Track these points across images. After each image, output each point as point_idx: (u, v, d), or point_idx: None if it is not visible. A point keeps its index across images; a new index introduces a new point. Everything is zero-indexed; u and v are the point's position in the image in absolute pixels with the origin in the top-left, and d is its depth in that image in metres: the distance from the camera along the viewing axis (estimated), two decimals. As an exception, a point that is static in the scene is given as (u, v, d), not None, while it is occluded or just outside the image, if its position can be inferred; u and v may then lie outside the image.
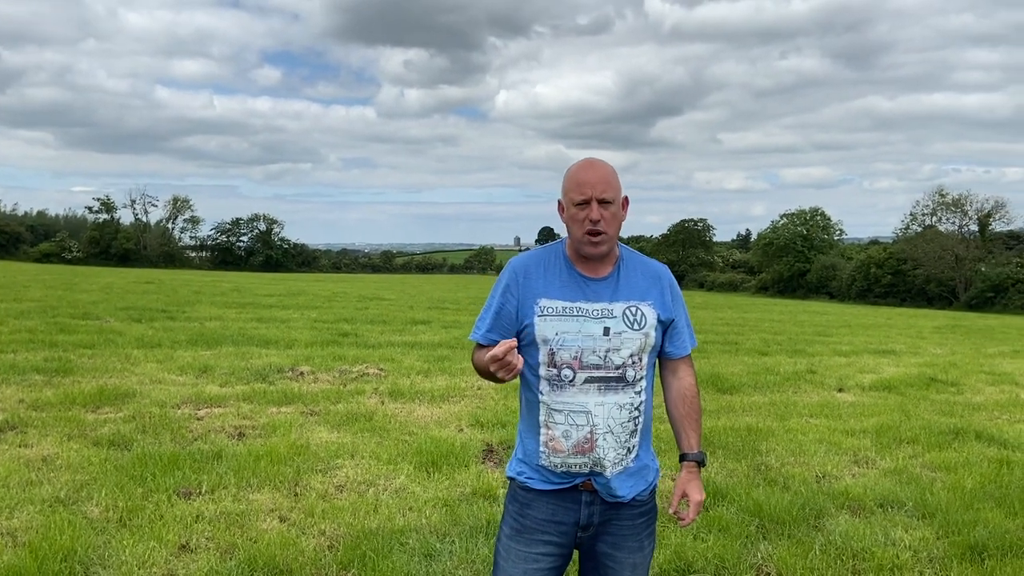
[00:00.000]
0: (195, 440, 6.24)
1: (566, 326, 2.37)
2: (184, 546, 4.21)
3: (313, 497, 5.03)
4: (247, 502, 4.90)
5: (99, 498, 4.79)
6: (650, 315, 2.43)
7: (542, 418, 2.42)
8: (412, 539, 4.40)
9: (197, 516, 4.60)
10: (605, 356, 2.36)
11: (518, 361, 2.24)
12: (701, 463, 2.55)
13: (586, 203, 2.35)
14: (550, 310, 2.39)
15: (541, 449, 2.42)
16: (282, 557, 4.09)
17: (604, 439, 2.37)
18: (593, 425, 2.36)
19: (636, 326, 2.40)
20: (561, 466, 2.40)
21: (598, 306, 2.39)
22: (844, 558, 4.36)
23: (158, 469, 5.31)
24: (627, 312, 2.40)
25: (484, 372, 2.37)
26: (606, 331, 2.37)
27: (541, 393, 2.41)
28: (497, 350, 2.20)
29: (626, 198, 2.46)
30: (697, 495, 2.52)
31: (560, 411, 2.38)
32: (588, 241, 2.37)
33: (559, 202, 2.47)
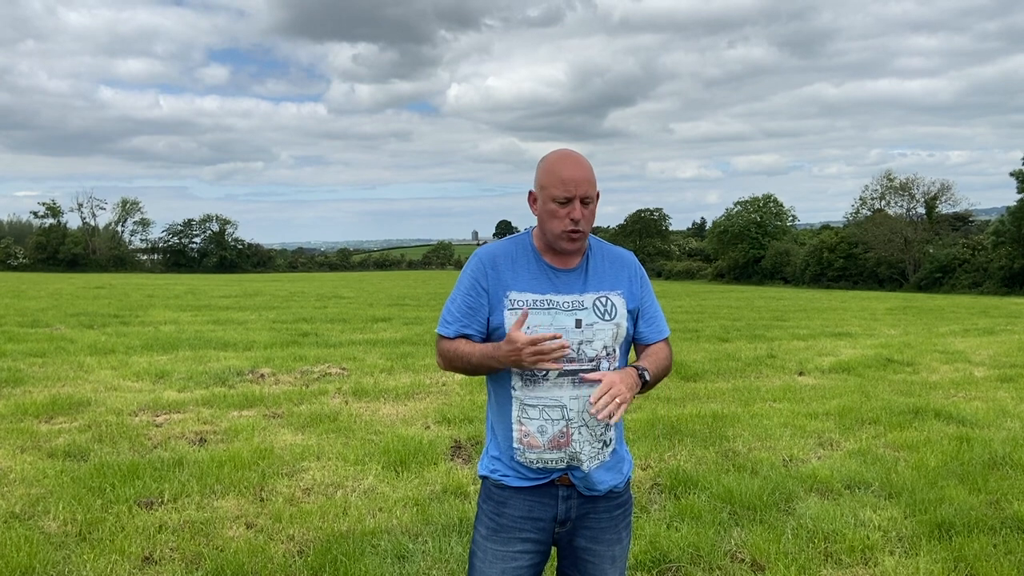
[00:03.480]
0: (155, 448, 6.08)
1: (538, 319, 2.31)
2: (148, 558, 4.08)
3: (280, 502, 4.93)
4: (212, 510, 4.77)
5: (56, 512, 4.62)
6: (620, 305, 2.40)
7: (515, 414, 2.36)
8: (383, 541, 4.32)
9: (160, 526, 4.46)
10: (578, 349, 2.31)
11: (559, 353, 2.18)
12: (642, 375, 2.32)
13: (568, 201, 2.29)
14: (520, 303, 2.32)
15: (515, 446, 2.36)
16: (250, 565, 3.99)
17: (579, 433, 2.33)
18: (568, 419, 2.31)
19: (607, 316, 2.36)
20: (537, 462, 2.35)
21: (568, 298, 2.34)
22: (816, 541, 4.39)
23: (117, 479, 5.15)
24: (597, 303, 2.36)
25: (470, 363, 2.32)
26: (578, 323, 2.32)
27: (514, 388, 2.35)
28: (541, 336, 2.16)
29: (598, 192, 2.41)
30: (611, 375, 2.22)
31: (534, 406, 2.33)
32: (567, 238, 2.32)
33: (531, 192, 2.40)
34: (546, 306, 2.32)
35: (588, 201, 2.32)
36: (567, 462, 2.35)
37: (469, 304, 2.37)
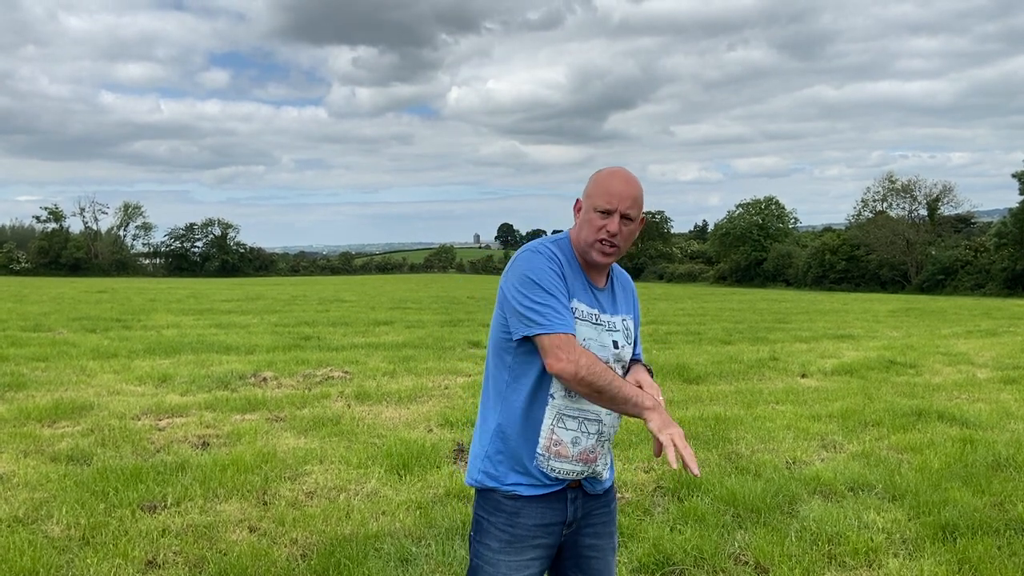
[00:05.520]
0: (157, 452, 6.08)
1: (590, 333, 2.31)
2: (151, 562, 4.08)
3: (283, 505, 4.92)
4: (215, 513, 4.77)
5: (60, 516, 4.62)
6: (631, 329, 2.46)
7: (549, 421, 2.30)
8: (387, 544, 4.32)
9: (163, 530, 4.46)
10: (613, 368, 2.34)
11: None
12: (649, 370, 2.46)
13: (609, 213, 2.29)
14: (579, 313, 2.31)
15: (540, 452, 2.31)
16: (254, 569, 3.99)
17: (603, 447, 2.37)
18: (600, 433, 2.33)
19: (628, 340, 2.43)
20: (559, 471, 2.32)
21: (606, 317, 2.37)
22: (819, 543, 4.38)
23: (120, 483, 5.15)
24: (623, 325, 2.41)
25: (609, 393, 2.20)
26: (615, 344, 2.36)
27: (552, 396, 2.30)
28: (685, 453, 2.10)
29: (644, 216, 2.41)
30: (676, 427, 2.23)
31: (575, 417, 2.30)
32: (598, 249, 2.31)
33: (578, 200, 2.40)
34: (595, 321, 2.34)
35: (628, 219, 2.31)
36: (587, 475, 2.36)
37: (564, 303, 2.25)
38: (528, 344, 2.27)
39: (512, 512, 2.35)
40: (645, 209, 2.39)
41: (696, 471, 2.09)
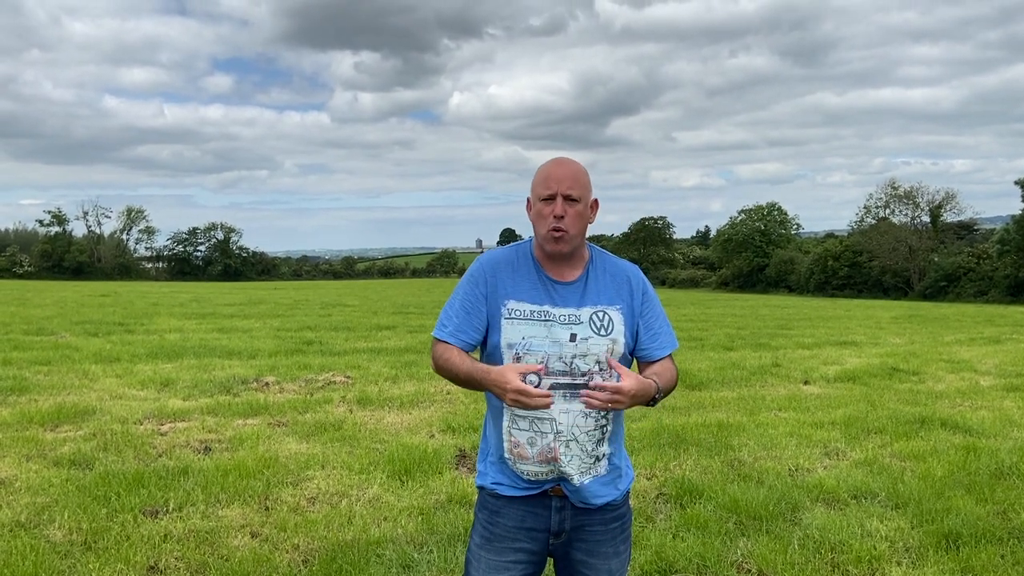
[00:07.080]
0: (159, 456, 6.08)
1: (533, 331, 2.31)
2: (153, 567, 4.07)
3: (285, 511, 4.92)
4: (216, 519, 4.77)
5: (62, 520, 4.62)
6: (618, 320, 2.36)
7: (506, 424, 2.36)
8: (389, 550, 4.32)
9: (165, 535, 4.46)
10: (571, 363, 2.30)
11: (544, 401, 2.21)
12: (657, 390, 2.32)
13: (552, 198, 2.30)
14: (517, 313, 2.32)
15: (506, 456, 2.37)
16: (255, 574, 3.99)
17: (567, 447, 2.31)
18: (557, 432, 2.30)
19: (603, 331, 2.33)
20: (528, 473, 2.35)
21: (565, 311, 2.33)
22: (823, 551, 4.37)
23: (122, 488, 5.15)
24: (594, 317, 2.34)
25: (457, 377, 2.35)
26: (572, 337, 2.30)
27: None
28: (531, 390, 2.19)
29: (595, 201, 2.40)
30: (628, 382, 2.23)
31: (524, 417, 2.32)
32: (550, 237, 2.32)
33: (528, 200, 2.41)
34: (543, 318, 2.32)
35: (573, 199, 2.31)
36: (556, 475, 2.35)
37: (467, 308, 2.38)
38: (487, 348, 2.39)
39: (493, 510, 2.43)
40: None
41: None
